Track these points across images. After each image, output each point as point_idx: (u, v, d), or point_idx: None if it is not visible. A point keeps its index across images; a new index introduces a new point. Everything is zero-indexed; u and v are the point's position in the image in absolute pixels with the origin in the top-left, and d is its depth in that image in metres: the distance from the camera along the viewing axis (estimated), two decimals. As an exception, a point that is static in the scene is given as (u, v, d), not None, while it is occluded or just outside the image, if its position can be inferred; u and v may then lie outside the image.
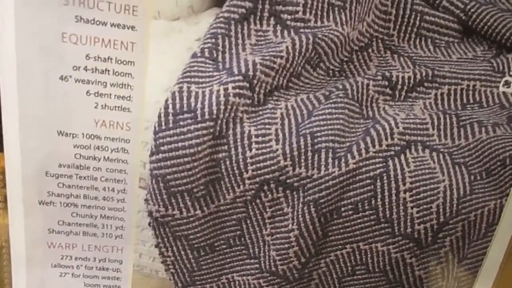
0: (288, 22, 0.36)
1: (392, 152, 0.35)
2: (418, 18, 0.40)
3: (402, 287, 0.38)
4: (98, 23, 0.28)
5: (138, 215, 0.35)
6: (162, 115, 0.33)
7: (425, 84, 0.37)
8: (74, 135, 0.31)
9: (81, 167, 0.32)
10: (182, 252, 0.36)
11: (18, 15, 0.28)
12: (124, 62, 0.29)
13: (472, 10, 0.40)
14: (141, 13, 0.28)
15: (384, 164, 0.35)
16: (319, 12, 0.36)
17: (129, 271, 0.35)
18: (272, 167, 0.34)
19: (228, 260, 0.37)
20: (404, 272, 0.37)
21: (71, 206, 0.33)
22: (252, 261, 0.37)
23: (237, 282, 0.38)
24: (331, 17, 0.36)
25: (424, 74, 0.37)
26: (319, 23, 0.35)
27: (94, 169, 0.32)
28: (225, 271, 0.38)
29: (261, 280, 0.37)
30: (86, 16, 0.28)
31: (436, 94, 0.38)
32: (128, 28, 0.29)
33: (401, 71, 0.37)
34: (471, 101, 0.38)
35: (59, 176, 0.32)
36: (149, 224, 0.35)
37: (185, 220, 0.35)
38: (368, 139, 0.35)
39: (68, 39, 0.29)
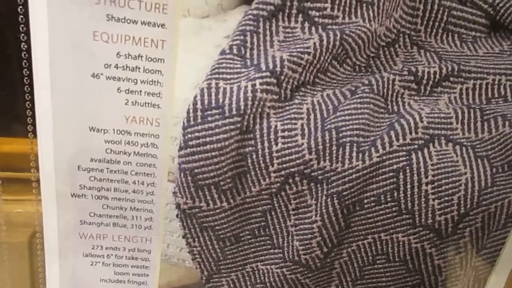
0: (316, 19, 0.35)
1: (416, 146, 0.35)
2: (446, 13, 0.39)
3: (421, 276, 0.38)
4: (128, 21, 0.28)
5: (166, 207, 0.35)
6: (191, 111, 0.33)
7: (451, 79, 0.37)
8: (105, 131, 0.31)
9: (112, 162, 0.32)
10: (208, 242, 0.37)
11: (51, 14, 0.28)
12: (154, 60, 0.30)
13: (501, 5, 0.40)
14: (171, 11, 0.28)
15: (407, 157, 0.35)
16: (347, 9, 0.36)
17: (158, 260, 0.36)
18: (297, 161, 0.34)
19: (252, 250, 0.38)
20: (424, 261, 0.37)
21: (102, 199, 0.33)
22: (276, 251, 0.37)
23: (261, 271, 0.38)
24: (359, 14, 0.36)
25: (450, 69, 0.36)
26: (347, 19, 0.34)
27: (125, 163, 0.32)
28: (249, 261, 0.38)
29: (284, 269, 0.38)
30: (117, 14, 0.28)
31: (461, 89, 0.37)
32: (158, 26, 0.29)
33: (427, 66, 0.37)
34: (496, 95, 0.38)
35: (90, 170, 0.32)
36: (176, 215, 0.36)
37: (211, 212, 0.35)
38: (392, 133, 0.35)
39: (100, 37, 0.29)
